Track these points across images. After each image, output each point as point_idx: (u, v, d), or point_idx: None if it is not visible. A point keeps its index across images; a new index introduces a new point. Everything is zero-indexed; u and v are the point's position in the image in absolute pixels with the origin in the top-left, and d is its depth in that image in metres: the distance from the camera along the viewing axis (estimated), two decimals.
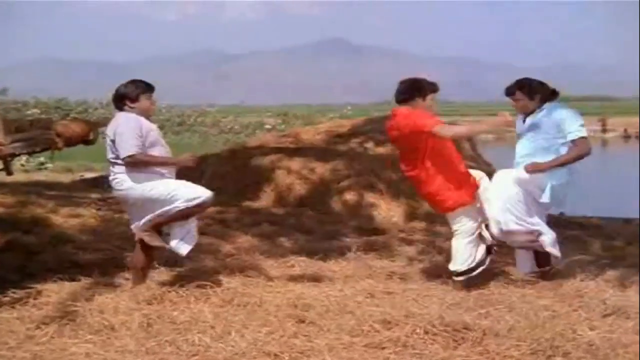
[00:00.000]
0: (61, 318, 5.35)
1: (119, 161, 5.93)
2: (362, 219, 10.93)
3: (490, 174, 12.91)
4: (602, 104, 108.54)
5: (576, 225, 10.73)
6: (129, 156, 5.86)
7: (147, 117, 6.10)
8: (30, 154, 7.70)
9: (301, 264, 7.52)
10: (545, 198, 6.60)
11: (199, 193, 6.01)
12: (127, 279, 6.39)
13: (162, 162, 6.06)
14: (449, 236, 9.97)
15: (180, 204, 5.92)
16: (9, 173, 6.63)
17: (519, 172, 6.53)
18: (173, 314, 5.45)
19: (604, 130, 66.48)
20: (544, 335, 4.92)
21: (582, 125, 6.51)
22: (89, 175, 18.37)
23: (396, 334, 5.07)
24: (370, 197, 11.58)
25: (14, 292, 6.00)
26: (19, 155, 7.03)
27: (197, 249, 7.61)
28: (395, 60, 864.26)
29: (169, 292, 6.00)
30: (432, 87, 6.52)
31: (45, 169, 23.38)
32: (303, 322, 5.37)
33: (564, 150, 6.50)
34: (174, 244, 6.11)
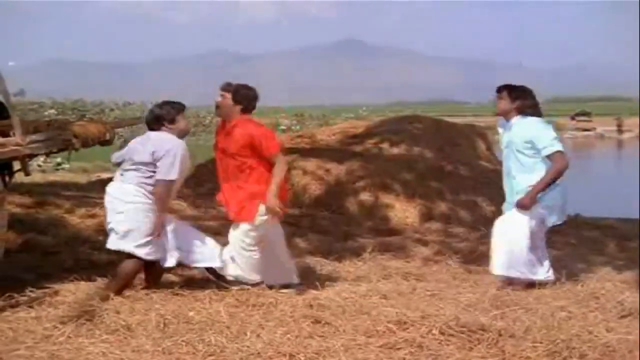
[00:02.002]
0: (78, 318, 5.37)
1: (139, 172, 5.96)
2: (377, 220, 10.93)
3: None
4: (618, 105, 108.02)
5: (592, 227, 10.70)
6: (170, 181, 5.90)
7: (184, 137, 6.13)
8: (47, 154, 7.74)
9: (316, 265, 7.53)
10: (552, 221, 6.67)
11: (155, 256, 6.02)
12: (142, 279, 6.41)
13: (162, 210, 6.02)
14: (465, 237, 10.02)
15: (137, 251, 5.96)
16: (27, 173, 6.67)
17: (517, 214, 6.52)
18: (189, 314, 5.46)
19: (620, 131, 66.17)
20: (560, 337, 4.90)
21: (556, 138, 6.44)
22: (105, 175, 18.40)
23: (412, 335, 5.07)
24: (385, 198, 11.57)
25: (31, 292, 6.03)
26: (36, 155, 7.07)
27: None
28: (410, 61, 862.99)
29: (185, 292, 6.03)
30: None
31: (62, 169, 23.50)
32: (319, 322, 5.37)
33: (541, 166, 6.45)
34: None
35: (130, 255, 5.99)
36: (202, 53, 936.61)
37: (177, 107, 6.17)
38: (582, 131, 66.21)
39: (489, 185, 12.13)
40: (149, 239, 5.94)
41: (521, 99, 6.58)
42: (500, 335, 5.02)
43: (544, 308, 5.69)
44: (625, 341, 4.94)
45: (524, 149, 6.46)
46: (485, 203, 11.70)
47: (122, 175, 6.08)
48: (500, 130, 6.84)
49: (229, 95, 6.30)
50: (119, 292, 5.88)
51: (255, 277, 6.33)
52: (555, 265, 7.31)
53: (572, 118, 70.60)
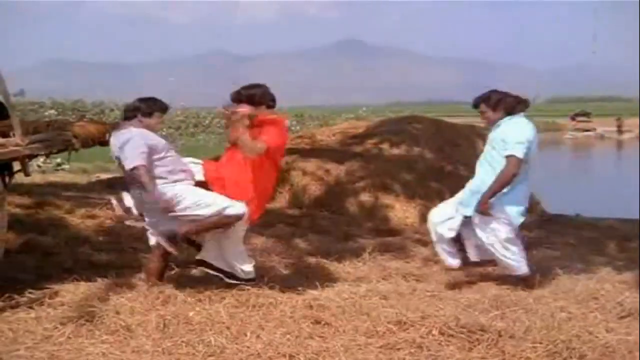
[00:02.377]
0: (78, 318, 5.37)
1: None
2: (377, 220, 10.93)
3: None
4: (618, 105, 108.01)
5: (592, 227, 10.70)
6: (134, 168, 5.83)
7: (153, 132, 6.12)
8: (47, 155, 7.74)
9: (316, 265, 7.54)
10: (517, 220, 6.54)
11: (231, 203, 5.98)
12: (143, 280, 6.42)
13: (147, 189, 5.91)
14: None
15: (210, 212, 5.94)
16: (26, 174, 6.66)
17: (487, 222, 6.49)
18: (189, 314, 5.46)
19: (620, 132, 66.15)
20: (560, 337, 4.90)
21: (521, 143, 6.37)
22: (105, 176, 18.40)
23: (411, 335, 5.07)
24: (385, 199, 11.58)
25: (30, 293, 6.03)
26: (36, 156, 7.07)
27: None
28: (410, 61, 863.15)
29: (185, 292, 6.03)
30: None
31: (62, 170, 23.48)
32: (318, 323, 5.38)
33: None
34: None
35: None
36: (202, 53, 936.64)
37: (158, 105, 6.18)
38: (582, 131, 66.16)
39: None
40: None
41: (501, 103, 6.54)
42: (500, 335, 5.03)
43: (544, 308, 5.70)
44: (625, 342, 4.95)
45: (498, 145, 6.46)
46: None
47: None
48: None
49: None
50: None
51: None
52: (556, 266, 7.32)
53: (572, 118, 70.53)
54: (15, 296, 5.92)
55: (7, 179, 6.73)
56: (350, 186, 11.96)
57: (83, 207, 9.69)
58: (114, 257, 7.51)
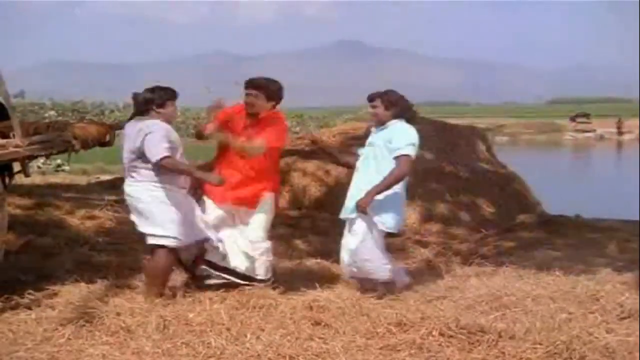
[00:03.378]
0: (78, 319, 5.37)
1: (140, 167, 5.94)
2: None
3: (504, 175, 12.96)
4: (618, 106, 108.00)
5: (592, 228, 10.68)
6: (162, 158, 5.81)
7: (170, 123, 6.10)
8: (47, 156, 7.74)
9: (316, 266, 7.53)
10: (390, 228, 6.40)
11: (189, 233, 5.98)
12: (143, 281, 6.41)
13: (189, 173, 6.06)
14: (464, 238, 10.03)
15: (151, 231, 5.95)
16: (27, 175, 6.67)
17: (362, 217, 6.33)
18: (189, 315, 5.46)
19: (620, 133, 66.16)
20: (560, 338, 4.90)
21: (412, 145, 6.28)
22: (105, 177, 18.42)
23: (411, 336, 5.07)
24: None
25: (30, 294, 6.03)
26: (36, 157, 7.07)
27: None
28: (410, 62, 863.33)
29: (185, 293, 6.03)
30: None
31: (62, 171, 23.48)
32: (318, 324, 5.38)
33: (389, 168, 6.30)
34: None
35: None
36: (201, 54, 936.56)
37: (168, 93, 6.12)
38: (582, 132, 66.17)
39: (489, 187, 12.14)
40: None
41: (397, 106, 6.46)
42: (500, 336, 5.02)
43: (544, 309, 5.69)
44: (626, 343, 4.95)
45: (385, 149, 6.34)
46: (486, 204, 11.70)
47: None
48: (373, 131, 6.71)
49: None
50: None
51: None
52: (556, 266, 7.32)
53: (572, 119, 70.52)
54: (15, 297, 5.92)
55: (7, 180, 6.73)
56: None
57: (83, 208, 9.69)
58: (114, 258, 7.50)
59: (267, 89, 6.36)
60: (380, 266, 6.36)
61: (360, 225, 6.33)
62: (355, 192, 6.37)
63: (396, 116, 6.45)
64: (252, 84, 6.38)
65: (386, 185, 6.20)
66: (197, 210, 6.14)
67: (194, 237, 6.04)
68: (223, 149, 6.42)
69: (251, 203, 6.34)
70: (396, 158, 6.24)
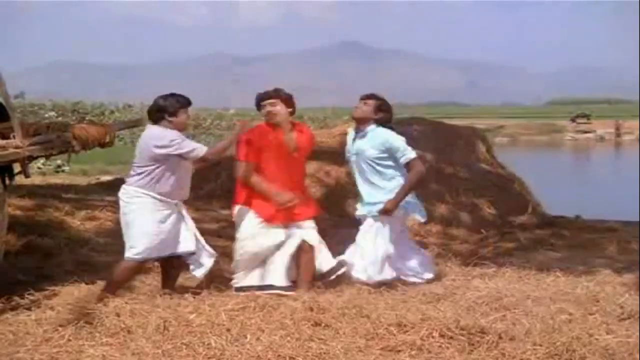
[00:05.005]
0: (78, 320, 5.38)
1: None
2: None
3: (504, 176, 12.94)
4: (618, 107, 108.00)
5: (592, 229, 10.69)
6: (201, 149, 6.02)
7: (181, 132, 6.11)
8: (47, 156, 7.75)
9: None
10: (415, 218, 6.94)
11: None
12: (142, 282, 6.42)
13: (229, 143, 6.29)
14: (464, 239, 10.02)
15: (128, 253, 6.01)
16: (27, 176, 6.67)
17: (380, 222, 6.62)
18: (189, 316, 5.46)
19: (620, 134, 66.15)
20: (560, 339, 4.90)
21: (409, 147, 6.59)
22: (105, 178, 18.40)
23: (412, 338, 5.07)
24: None
25: (30, 295, 6.04)
26: (36, 158, 7.07)
27: None
28: (410, 62, 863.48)
29: (185, 294, 6.03)
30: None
31: (62, 171, 23.44)
32: (319, 325, 5.37)
33: (397, 173, 6.59)
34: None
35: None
36: (203, 55, 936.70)
37: (181, 101, 6.13)
38: (582, 133, 66.13)
39: (489, 188, 12.12)
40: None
41: (384, 112, 6.69)
42: (500, 337, 5.02)
43: (544, 310, 5.69)
44: (626, 344, 4.95)
45: (381, 159, 6.58)
46: (486, 205, 11.68)
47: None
48: (350, 135, 6.90)
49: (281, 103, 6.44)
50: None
51: None
52: (556, 268, 7.32)
53: (572, 120, 70.49)
54: (16, 298, 5.94)
55: (7, 181, 6.73)
56: (350, 188, 11.93)
57: (83, 209, 9.69)
58: (114, 259, 7.48)
59: (286, 99, 6.48)
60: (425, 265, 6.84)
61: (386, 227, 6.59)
62: (369, 198, 6.71)
63: (378, 123, 6.67)
64: (271, 95, 6.45)
65: (410, 187, 6.58)
66: (182, 223, 6.16)
67: (168, 251, 6.09)
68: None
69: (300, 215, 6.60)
70: (407, 164, 6.53)
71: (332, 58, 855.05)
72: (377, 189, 6.61)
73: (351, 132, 6.91)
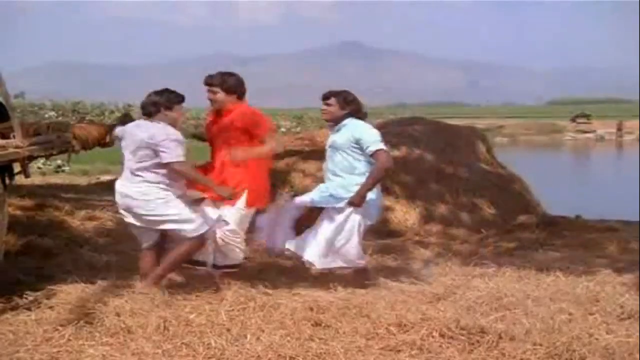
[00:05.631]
0: (78, 320, 5.37)
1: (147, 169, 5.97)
2: (377, 222, 10.91)
3: (504, 176, 12.94)
4: (618, 107, 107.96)
5: (592, 228, 10.69)
6: (179, 162, 5.93)
7: (174, 127, 6.11)
8: (47, 156, 7.75)
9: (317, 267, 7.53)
10: (373, 221, 6.77)
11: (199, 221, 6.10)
12: (140, 281, 6.41)
13: (204, 184, 6.17)
14: (465, 239, 10.03)
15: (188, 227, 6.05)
16: (27, 176, 6.67)
17: (348, 211, 6.50)
18: (189, 316, 5.46)
19: (621, 134, 66.22)
20: (560, 339, 4.90)
21: (380, 139, 6.51)
22: (106, 178, 18.42)
23: (412, 337, 5.07)
24: (385, 200, 11.53)
25: (30, 295, 6.03)
26: (36, 157, 7.07)
27: None
28: (410, 63, 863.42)
29: (185, 294, 6.03)
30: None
31: (62, 171, 23.46)
32: (319, 325, 5.38)
33: (366, 166, 6.52)
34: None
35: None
36: (202, 55, 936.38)
37: (177, 96, 6.17)
38: (583, 133, 66.21)
39: (489, 188, 12.14)
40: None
41: (351, 105, 6.66)
42: (500, 337, 5.02)
43: (544, 310, 5.69)
44: (626, 344, 4.95)
45: (351, 150, 6.53)
46: (486, 205, 11.71)
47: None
48: (330, 133, 6.88)
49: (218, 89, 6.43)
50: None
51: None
52: (556, 267, 7.32)
53: (573, 120, 70.57)
54: (16, 298, 5.93)
55: (7, 181, 6.74)
56: None
57: (83, 209, 9.68)
58: (114, 259, 7.50)
59: (221, 85, 6.44)
60: (358, 252, 6.62)
61: (342, 215, 6.49)
62: (334, 192, 6.57)
63: (348, 115, 6.64)
64: (206, 82, 6.49)
65: (375, 180, 6.49)
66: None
67: (210, 222, 6.20)
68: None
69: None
70: (373, 155, 6.44)
71: (332, 58, 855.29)
72: (346, 181, 6.51)
73: (329, 133, 6.90)
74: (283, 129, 46.98)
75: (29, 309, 5.78)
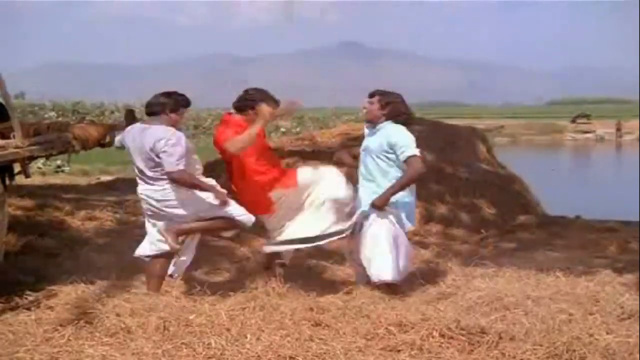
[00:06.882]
0: (78, 320, 5.37)
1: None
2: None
3: (504, 176, 12.94)
4: (618, 107, 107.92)
5: (592, 229, 10.70)
6: (178, 171, 5.86)
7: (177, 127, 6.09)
8: (47, 156, 7.76)
9: (317, 267, 7.53)
10: (407, 227, 6.53)
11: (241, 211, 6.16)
12: (143, 282, 6.41)
13: (205, 189, 6.13)
14: (465, 239, 10.03)
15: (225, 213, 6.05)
16: (27, 176, 6.68)
17: (372, 216, 6.37)
18: (189, 316, 5.45)
19: (620, 134, 66.16)
20: (560, 339, 4.90)
21: (413, 144, 6.32)
22: (106, 178, 18.42)
23: (412, 337, 5.07)
24: None
25: (30, 295, 6.04)
26: (36, 158, 7.08)
27: (212, 252, 7.65)
28: (410, 63, 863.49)
29: (185, 294, 6.03)
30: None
31: (62, 171, 23.43)
32: (319, 325, 5.38)
33: (398, 172, 6.35)
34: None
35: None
36: (202, 55, 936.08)
37: (184, 100, 6.14)
38: (583, 133, 66.14)
39: (489, 188, 12.13)
40: None
41: (392, 105, 6.48)
42: (500, 337, 5.02)
43: (544, 311, 5.68)
44: (626, 344, 4.94)
45: (384, 155, 6.37)
46: (486, 205, 11.70)
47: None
48: (365, 133, 6.74)
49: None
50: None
51: None
52: (556, 268, 7.32)
53: (573, 120, 70.48)
54: (16, 298, 5.94)
55: (7, 181, 6.74)
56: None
57: (83, 209, 9.69)
58: (114, 259, 7.50)
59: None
60: (387, 263, 6.30)
61: (373, 225, 6.35)
62: (366, 197, 6.45)
63: (388, 118, 6.47)
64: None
65: (401, 186, 6.30)
66: None
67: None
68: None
69: None
70: (406, 160, 6.27)
71: (332, 58, 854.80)
72: (378, 188, 6.36)
73: (365, 130, 6.74)
74: (283, 129, 46.95)
75: (29, 309, 5.79)
